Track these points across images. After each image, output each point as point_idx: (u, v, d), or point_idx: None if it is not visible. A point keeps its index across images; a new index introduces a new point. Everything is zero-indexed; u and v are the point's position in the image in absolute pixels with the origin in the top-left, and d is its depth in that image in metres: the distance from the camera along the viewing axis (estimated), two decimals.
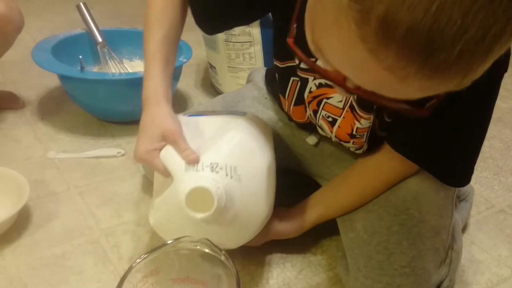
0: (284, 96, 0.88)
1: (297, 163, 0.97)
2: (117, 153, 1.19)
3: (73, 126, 1.31)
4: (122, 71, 1.38)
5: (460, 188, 0.98)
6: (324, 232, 0.96)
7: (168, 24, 0.77)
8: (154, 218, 0.74)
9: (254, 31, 1.37)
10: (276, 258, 0.90)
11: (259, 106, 0.99)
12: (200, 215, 0.64)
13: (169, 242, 0.67)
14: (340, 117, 0.79)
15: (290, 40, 0.57)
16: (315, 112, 0.83)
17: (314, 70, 0.55)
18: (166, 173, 0.69)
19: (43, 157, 1.17)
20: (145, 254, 0.64)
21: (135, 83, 1.21)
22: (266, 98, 1.00)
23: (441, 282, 0.77)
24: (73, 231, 0.94)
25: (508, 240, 0.99)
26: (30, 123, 1.32)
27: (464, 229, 1.00)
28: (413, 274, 0.72)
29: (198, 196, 0.63)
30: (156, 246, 0.66)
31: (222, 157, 0.69)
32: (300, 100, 0.84)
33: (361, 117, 0.76)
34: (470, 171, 0.74)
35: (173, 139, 0.68)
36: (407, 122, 0.70)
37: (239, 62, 1.40)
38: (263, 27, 1.37)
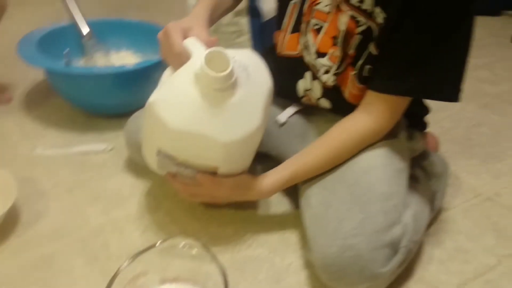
0: (281, 28, 0.96)
1: (266, 141, 1.00)
2: (105, 148, 1.18)
3: (61, 120, 1.30)
4: (108, 64, 1.37)
5: (431, 169, 1.02)
6: None
7: None
8: (157, 94, 0.76)
9: (242, 21, 1.36)
10: (265, 252, 0.91)
11: None
12: (216, 73, 0.70)
13: (157, 243, 0.68)
14: (326, 22, 0.87)
15: None
16: (307, 24, 0.90)
17: None
18: (180, 47, 0.77)
19: (30, 154, 1.16)
20: (132, 258, 0.65)
21: (121, 77, 1.21)
22: None
23: (399, 241, 0.81)
24: (62, 230, 0.94)
25: (495, 228, 0.99)
26: (17, 118, 1.31)
27: (451, 217, 1.01)
28: (362, 234, 0.77)
29: (214, 62, 0.71)
30: (145, 244, 0.67)
31: (239, 54, 0.78)
32: (296, 27, 0.93)
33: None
34: (457, 84, 0.79)
35: (199, 30, 0.80)
36: (390, 53, 0.80)
37: None
38: (251, 17, 1.36)
